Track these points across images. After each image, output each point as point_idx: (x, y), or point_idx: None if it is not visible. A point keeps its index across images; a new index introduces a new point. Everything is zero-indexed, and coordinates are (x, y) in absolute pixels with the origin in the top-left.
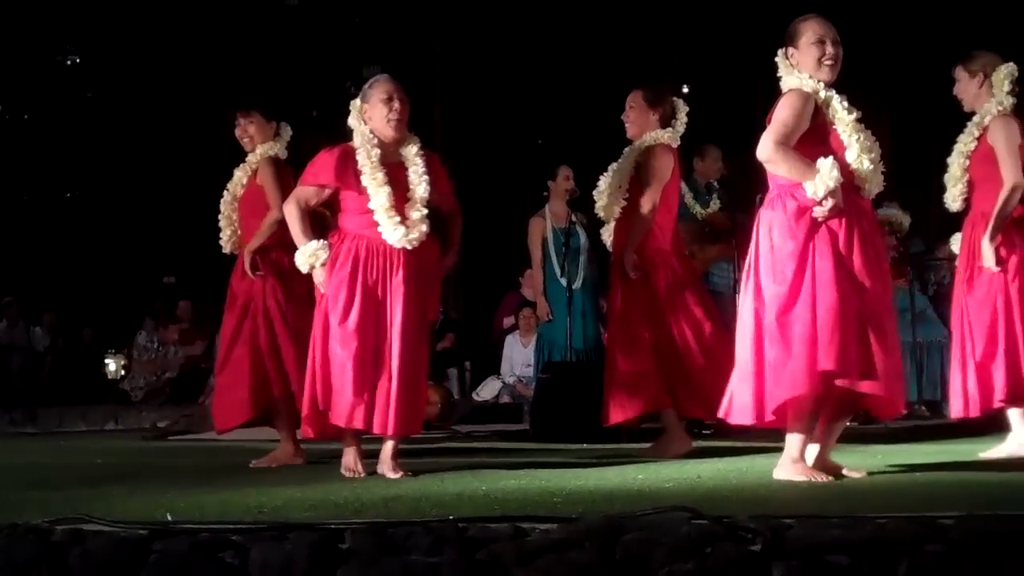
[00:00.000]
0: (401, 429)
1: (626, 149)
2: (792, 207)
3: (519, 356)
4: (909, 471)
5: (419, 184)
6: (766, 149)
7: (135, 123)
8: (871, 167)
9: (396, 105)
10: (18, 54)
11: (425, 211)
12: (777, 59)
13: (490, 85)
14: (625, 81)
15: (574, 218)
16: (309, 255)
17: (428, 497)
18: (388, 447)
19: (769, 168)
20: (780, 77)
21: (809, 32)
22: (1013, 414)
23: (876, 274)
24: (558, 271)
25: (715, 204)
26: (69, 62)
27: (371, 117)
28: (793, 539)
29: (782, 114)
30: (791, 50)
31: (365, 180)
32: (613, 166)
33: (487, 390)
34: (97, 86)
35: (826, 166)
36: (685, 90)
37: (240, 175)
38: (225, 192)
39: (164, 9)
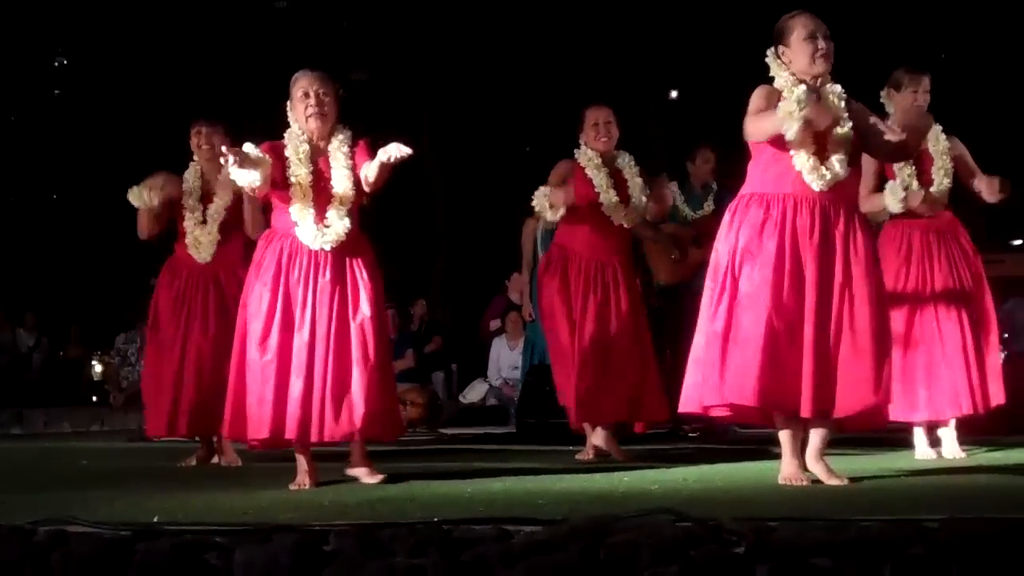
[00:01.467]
0: (337, 432)
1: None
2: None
3: (506, 359)
4: (894, 475)
5: (340, 182)
6: (745, 133)
7: (123, 125)
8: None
9: (312, 100)
10: (6, 56)
11: (345, 209)
12: (768, 59)
13: (479, 90)
14: (615, 86)
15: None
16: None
17: (413, 499)
18: (354, 452)
19: (754, 139)
20: (772, 77)
21: (799, 28)
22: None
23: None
24: None
25: (709, 206)
26: (57, 64)
27: (295, 115)
28: (777, 541)
29: (750, 106)
30: (782, 48)
31: (291, 178)
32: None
33: (473, 393)
34: (85, 88)
35: (792, 94)
36: (674, 94)
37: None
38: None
39: (152, 11)
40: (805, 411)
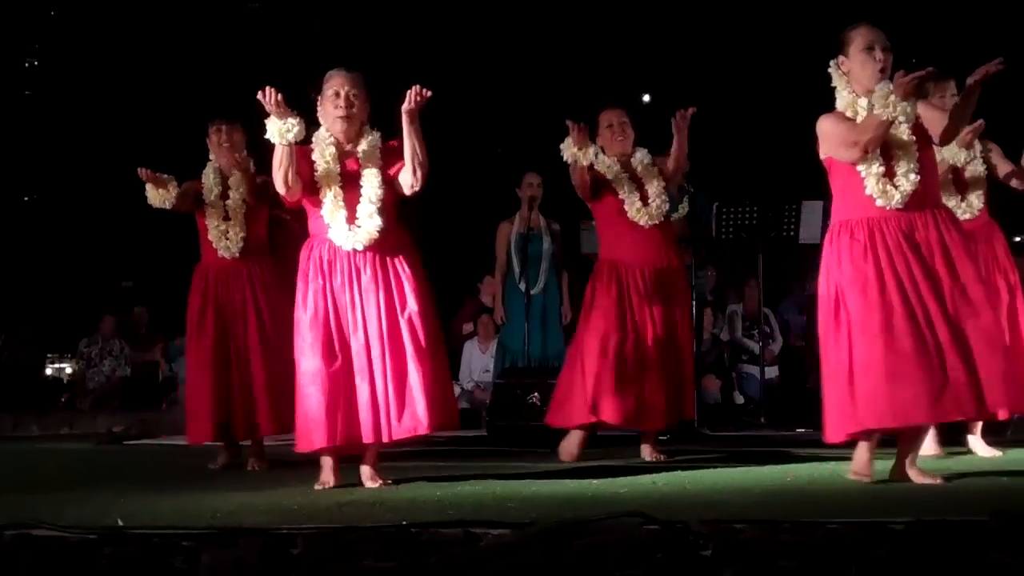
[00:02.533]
0: (392, 434)
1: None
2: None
3: (477, 362)
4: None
5: (369, 181)
6: (835, 157)
7: (94, 126)
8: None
9: (342, 101)
10: None
11: (375, 208)
12: (830, 70)
13: (451, 91)
14: (586, 88)
15: (535, 224)
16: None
17: (382, 502)
18: (367, 456)
19: (849, 158)
20: (834, 88)
21: (859, 39)
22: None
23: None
24: (517, 276)
25: (684, 208)
26: (28, 64)
27: (324, 113)
28: (744, 543)
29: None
30: (842, 58)
31: (320, 182)
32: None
33: None
34: (55, 89)
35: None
36: (646, 99)
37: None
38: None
39: (123, 12)
40: (968, 413)
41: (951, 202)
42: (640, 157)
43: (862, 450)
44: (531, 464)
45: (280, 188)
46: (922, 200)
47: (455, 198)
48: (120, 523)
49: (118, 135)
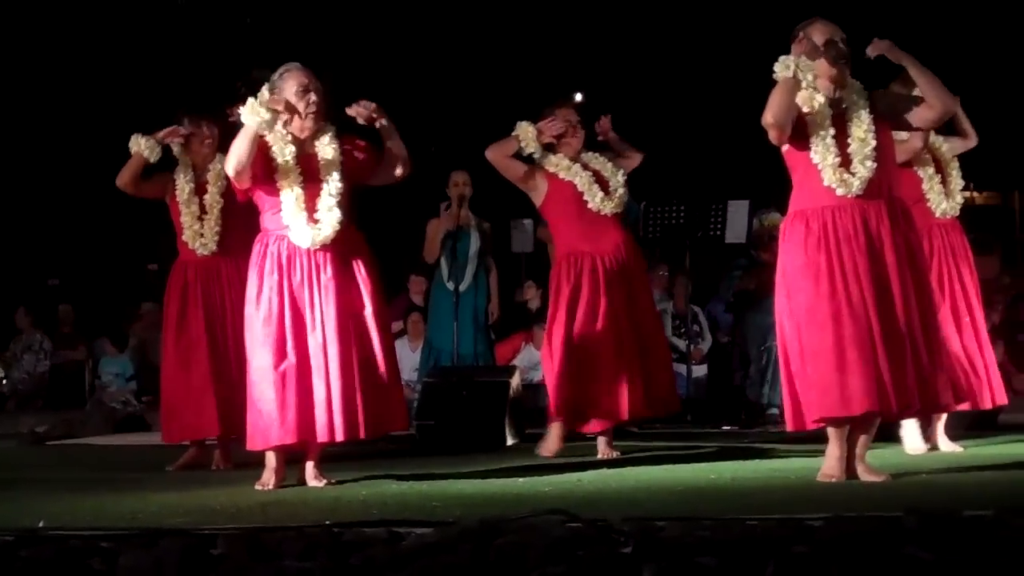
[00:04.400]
0: (347, 433)
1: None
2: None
3: (407, 361)
4: (783, 474)
5: (330, 178)
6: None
7: (18, 124)
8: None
9: (312, 96)
10: None
11: (334, 202)
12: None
13: (383, 88)
14: (519, 87)
15: (468, 221)
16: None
17: (307, 502)
18: (310, 455)
19: (772, 127)
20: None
21: (816, 34)
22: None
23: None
24: (445, 275)
25: None
26: None
27: (291, 104)
28: (664, 541)
29: None
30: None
31: (279, 178)
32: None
33: None
34: None
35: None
36: (579, 98)
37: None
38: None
39: (48, 6)
40: (896, 407)
41: (943, 205)
42: (591, 155)
43: (833, 447)
44: (458, 463)
45: (233, 170)
46: (878, 189)
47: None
48: (41, 524)
49: (46, 132)
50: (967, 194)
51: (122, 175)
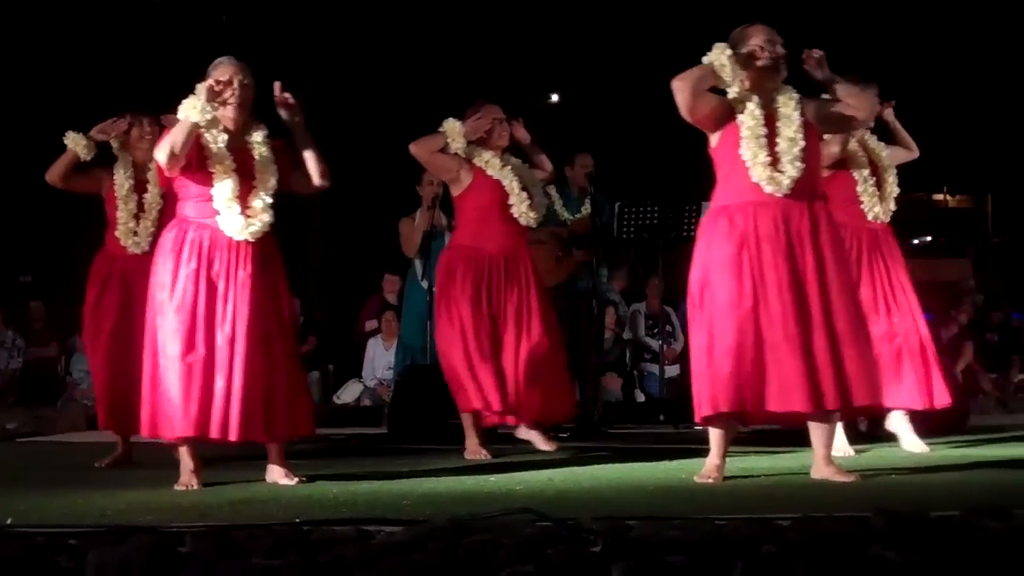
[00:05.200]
0: (245, 433)
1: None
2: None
3: (381, 359)
4: (752, 474)
5: (264, 172)
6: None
7: None
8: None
9: (237, 88)
10: None
11: (269, 200)
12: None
13: (357, 87)
14: (493, 87)
15: (437, 221)
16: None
17: (277, 500)
18: (271, 455)
19: (678, 91)
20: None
21: (754, 38)
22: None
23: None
24: (419, 272)
25: (586, 210)
26: None
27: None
28: (633, 540)
29: None
30: None
31: (211, 166)
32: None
33: (347, 393)
34: None
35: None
36: (555, 98)
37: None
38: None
39: (24, 1)
40: (807, 407)
41: (876, 208)
42: (513, 159)
43: (715, 450)
44: (430, 461)
45: (165, 158)
46: (802, 190)
47: (360, 194)
48: (8, 522)
49: (15, 128)
50: (949, 196)
51: (52, 170)
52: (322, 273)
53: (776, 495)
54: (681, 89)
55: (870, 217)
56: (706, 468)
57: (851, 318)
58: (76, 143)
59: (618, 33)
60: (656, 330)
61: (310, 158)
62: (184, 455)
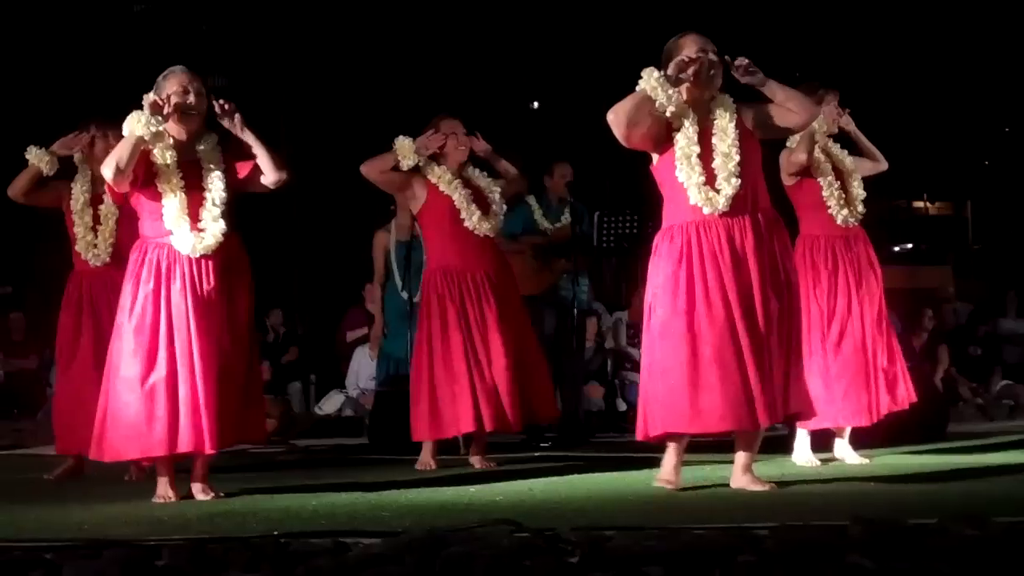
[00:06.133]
0: (217, 444)
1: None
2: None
3: (365, 369)
4: (729, 484)
5: (214, 185)
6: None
7: None
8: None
9: (191, 98)
10: None
11: (218, 211)
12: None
13: (337, 98)
14: (473, 97)
15: (417, 231)
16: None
17: (256, 513)
18: (197, 466)
19: (613, 124)
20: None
21: (688, 47)
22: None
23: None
24: (399, 284)
25: (566, 219)
26: None
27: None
28: (611, 550)
29: None
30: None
31: (160, 183)
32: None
33: (329, 404)
34: None
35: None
36: (535, 106)
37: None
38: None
39: (3, 10)
40: (759, 423)
41: (843, 212)
42: (472, 170)
43: (670, 455)
44: (410, 472)
45: (111, 175)
46: (743, 204)
47: (340, 205)
48: None
49: None
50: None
51: (13, 185)
52: (304, 284)
53: (754, 504)
54: (615, 123)
55: (839, 221)
56: (663, 472)
57: (792, 333)
58: (39, 158)
59: (598, 41)
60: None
61: (261, 155)
62: (161, 469)
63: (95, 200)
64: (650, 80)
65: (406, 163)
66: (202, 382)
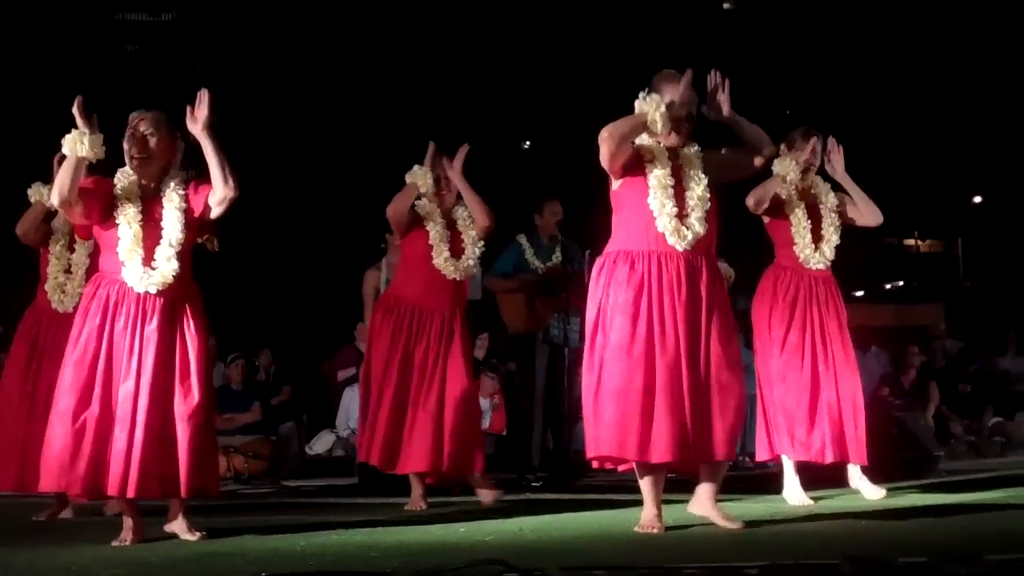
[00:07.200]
0: (139, 490)
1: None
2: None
3: (355, 408)
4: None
5: (170, 223)
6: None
7: None
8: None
9: (136, 141)
10: None
11: (174, 252)
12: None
13: (328, 138)
14: (464, 137)
15: None
16: (70, 140)
17: (244, 553)
18: (174, 507)
19: (605, 141)
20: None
21: (667, 96)
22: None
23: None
24: None
25: (557, 257)
26: None
27: (125, 147)
28: None
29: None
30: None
31: (118, 214)
32: None
33: (320, 443)
34: None
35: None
36: (526, 145)
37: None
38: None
39: None
40: (682, 458)
41: (806, 252)
42: (462, 213)
43: (649, 501)
44: (400, 512)
45: (56, 200)
46: (701, 246)
47: (331, 244)
48: None
49: None
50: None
51: (22, 223)
52: (296, 323)
53: (744, 543)
54: (608, 141)
55: (802, 262)
56: (645, 519)
57: (728, 373)
58: (42, 194)
59: (589, 81)
60: None
61: (213, 164)
62: (124, 511)
63: (71, 245)
64: (655, 113)
65: (425, 188)
66: (133, 423)
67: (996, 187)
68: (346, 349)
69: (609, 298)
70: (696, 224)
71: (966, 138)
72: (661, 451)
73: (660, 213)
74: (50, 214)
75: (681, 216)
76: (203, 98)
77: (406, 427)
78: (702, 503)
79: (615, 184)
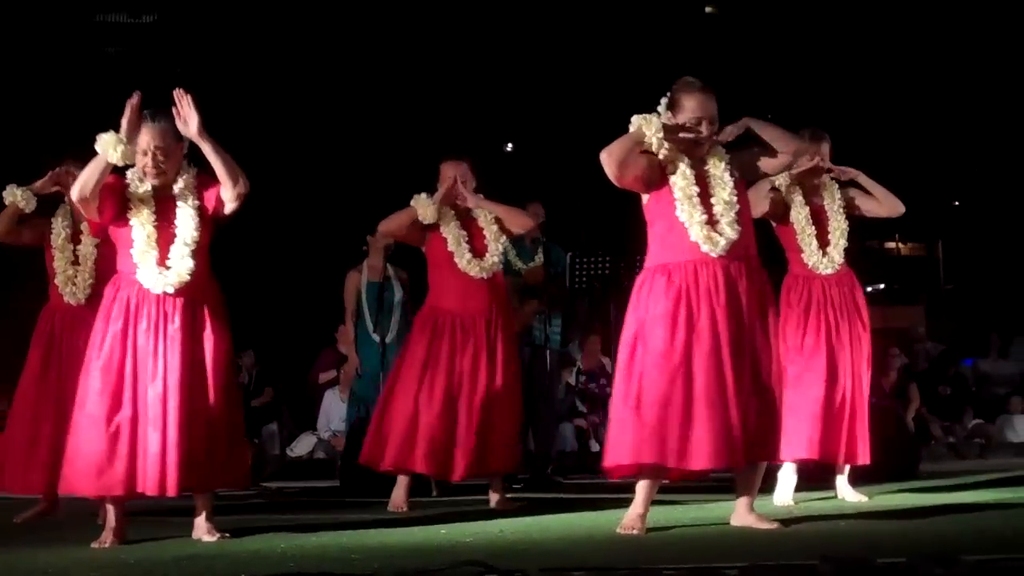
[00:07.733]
0: (179, 487)
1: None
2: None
3: (336, 410)
4: (700, 523)
5: (184, 222)
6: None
7: None
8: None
9: (149, 160)
10: None
11: (188, 250)
12: (660, 110)
13: (311, 139)
14: (446, 139)
15: (390, 272)
16: (106, 143)
17: (223, 556)
18: (199, 509)
19: (606, 164)
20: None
21: (688, 111)
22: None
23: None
24: (371, 326)
25: (539, 259)
26: None
27: (138, 158)
28: None
29: None
30: (669, 114)
31: (132, 215)
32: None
33: (301, 446)
34: None
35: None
36: (509, 148)
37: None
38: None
39: None
40: (724, 464)
41: (813, 258)
42: (482, 213)
43: (639, 501)
44: (381, 514)
45: (77, 196)
46: (737, 250)
47: (312, 246)
48: None
49: None
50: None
51: None
52: (277, 325)
53: (723, 544)
54: (607, 163)
55: (811, 267)
56: (628, 519)
57: (770, 376)
58: (17, 196)
59: (572, 84)
60: (591, 384)
61: (217, 165)
62: (110, 513)
63: (75, 237)
64: (649, 131)
65: (427, 220)
66: (165, 424)
67: (976, 190)
68: (327, 352)
69: (648, 311)
70: (728, 229)
71: (946, 142)
72: (701, 458)
73: (691, 223)
74: (24, 216)
75: (711, 223)
76: (184, 100)
77: (458, 432)
78: (742, 516)
79: (645, 199)
